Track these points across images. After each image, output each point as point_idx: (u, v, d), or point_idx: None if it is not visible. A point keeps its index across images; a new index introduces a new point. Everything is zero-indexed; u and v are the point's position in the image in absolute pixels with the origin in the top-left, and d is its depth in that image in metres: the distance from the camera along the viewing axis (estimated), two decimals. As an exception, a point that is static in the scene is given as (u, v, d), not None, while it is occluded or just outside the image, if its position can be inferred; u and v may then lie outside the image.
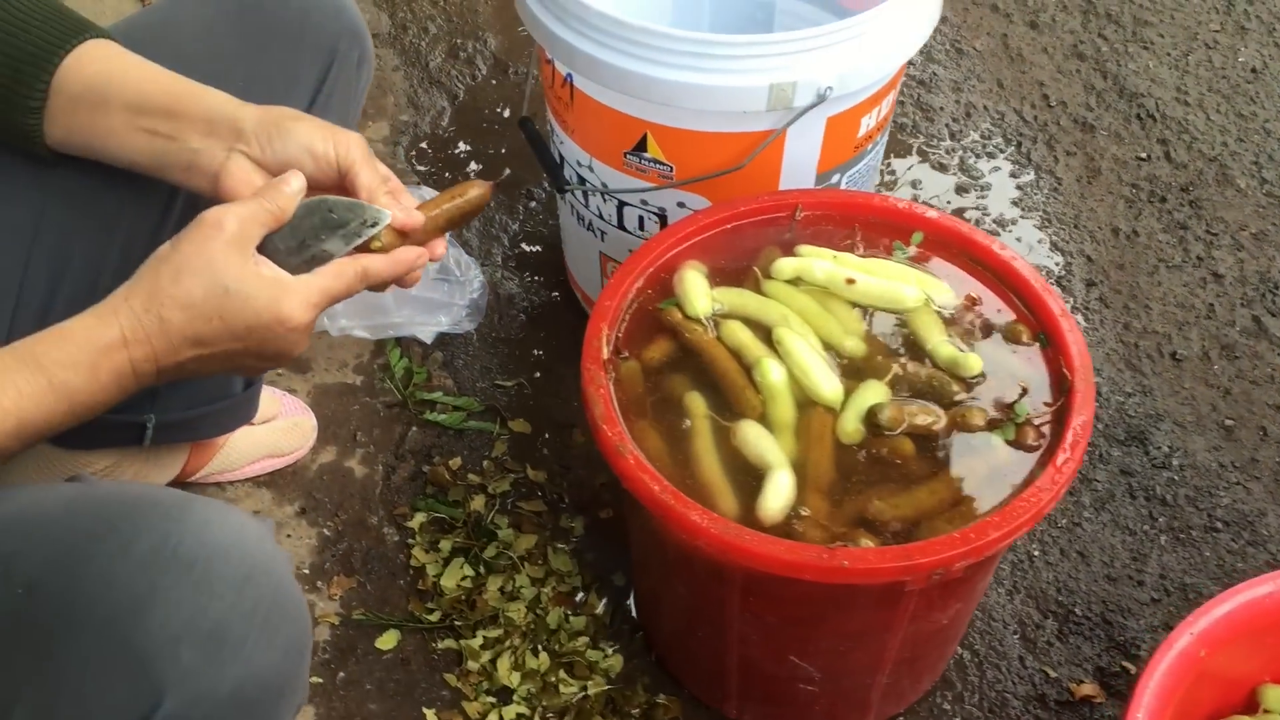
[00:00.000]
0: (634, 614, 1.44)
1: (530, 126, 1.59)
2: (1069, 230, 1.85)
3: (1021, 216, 1.88)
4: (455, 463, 1.58)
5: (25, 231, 1.07)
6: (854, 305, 1.26)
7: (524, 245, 1.86)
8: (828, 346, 1.22)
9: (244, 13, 1.12)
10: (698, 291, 1.24)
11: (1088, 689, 1.36)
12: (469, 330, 1.71)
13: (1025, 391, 1.15)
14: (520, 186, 1.95)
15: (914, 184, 1.94)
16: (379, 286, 0.99)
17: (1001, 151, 1.98)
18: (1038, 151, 1.98)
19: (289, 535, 1.47)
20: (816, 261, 1.26)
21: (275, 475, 1.53)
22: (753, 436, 1.14)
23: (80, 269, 1.09)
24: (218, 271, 0.87)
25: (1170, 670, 1.11)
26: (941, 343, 1.20)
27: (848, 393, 1.17)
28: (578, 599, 1.45)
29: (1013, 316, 1.23)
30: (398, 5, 2.26)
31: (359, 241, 0.96)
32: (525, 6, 1.40)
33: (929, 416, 1.15)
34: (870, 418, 1.14)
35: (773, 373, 1.18)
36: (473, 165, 1.98)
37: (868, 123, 1.44)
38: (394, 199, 0.99)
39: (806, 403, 1.18)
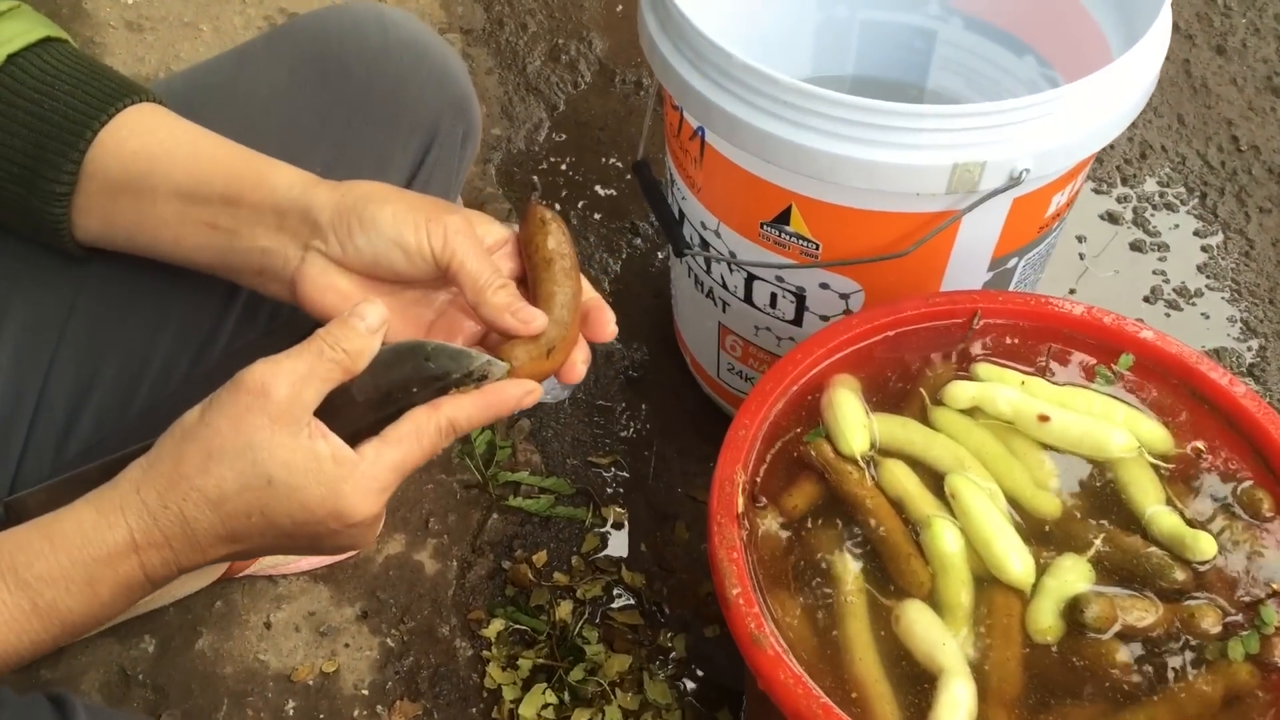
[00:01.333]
0: (741, 759, 1.23)
1: (646, 173, 1.35)
2: (1264, 307, 1.58)
3: (1208, 287, 1.61)
4: (540, 558, 1.37)
5: (50, 327, 0.87)
6: (1044, 447, 1.01)
7: (627, 290, 1.64)
8: (1013, 502, 0.98)
9: (326, 80, 0.90)
10: (853, 422, 1.01)
11: None
12: (563, 398, 1.49)
13: (1275, 592, 0.91)
14: (625, 218, 1.72)
15: (1080, 238, 1.67)
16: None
17: (1183, 203, 1.71)
18: (1225, 206, 1.70)
19: (347, 645, 1.28)
20: (1000, 389, 1.02)
21: (335, 569, 1.33)
22: (921, 626, 0.91)
23: (112, 378, 0.88)
24: (260, 456, 0.66)
25: None
26: (1161, 511, 0.96)
27: (1040, 569, 0.94)
28: (677, 741, 1.24)
29: (1250, 478, 0.98)
30: (495, -2, 2.03)
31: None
32: (652, 44, 1.17)
33: (1147, 614, 0.91)
34: (1072, 611, 0.91)
35: (947, 539, 0.94)
36: (572, 197, 1.75)
37: (1058, 200, 1.18)
38: (509, 301, 0.77)
39: (987, 579, 0.94)
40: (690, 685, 1.28)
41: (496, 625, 1.31)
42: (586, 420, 1.50)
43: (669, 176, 1.34)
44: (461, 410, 0.73)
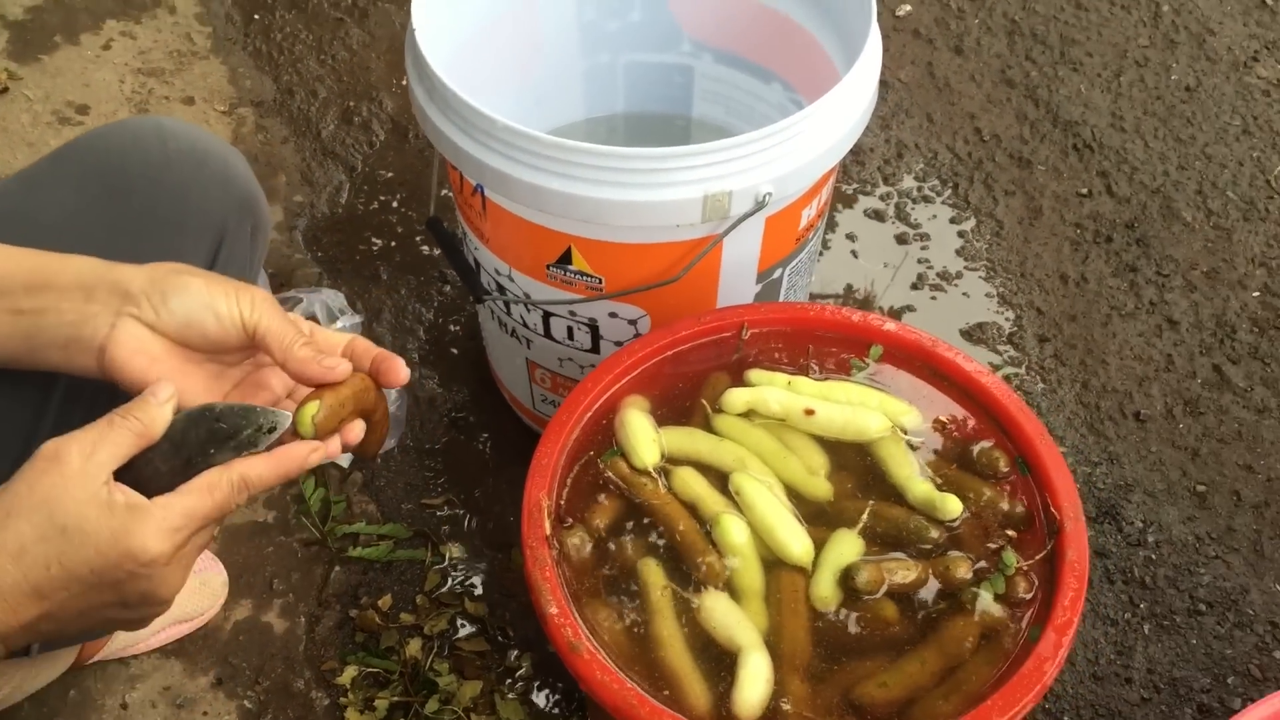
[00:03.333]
0: (594, 761, 1.33)
1: (440, 228, 1.45)
2: (1016, 280, 1.76)
3: (967, 268, 1.78)
4: (385, 601, 1.44)
5: None
6: (815, 437, 1.14)
7: (442, 337, 1.72)
8: (791, 491, 1.11)
9: (111, 198, 0.96)
10: (643, 439, 1.12)
11: (1085, 809, 1.28)
12: (390, 447, 1.57)
13: (1012, 539, 1.05)
14: (435, 268, 1.80)
15: (850, 237, 1.83)
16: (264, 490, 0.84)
17: (939, 195, 1.88)
18: (975, 193, 1.88)
19: (205, 713, 1.33)
20: (770, 391, 1.15)
21: (184, 642, 1.37)
22: (719, 611, 1.02)
23: None
24: (54, 510, 0.71)
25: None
26: (913, 479, 1.10)
27: (818, 546, 1.06)
28: (532, 753, 1.33)
29: (988, 441, 1.13)
30: (282, 67, 2.09)
31: (258, 451, 0.82)
32: (423, 113, 1.26)
33: (910, 572, 1.04)
34: (847, 579, 1.03)
35: (735, 532, 1.06)
36: (382, 255, 1.82)
37: (808, 214, 1.32)
38: (312, 354, 0.83)
39: (774, 561, 1.06)
40: (541, 701, 1.37)
41: (350, 672, 1.38)
42: (417, 465, 1.58)
43: (461, 230, 1.43)
44: (253, 469, 0.79)
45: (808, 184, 1.24)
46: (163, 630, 1.35)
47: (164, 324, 0.82)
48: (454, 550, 1.50)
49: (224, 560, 1.44)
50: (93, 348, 0.83)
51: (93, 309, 0.83)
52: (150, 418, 0.77)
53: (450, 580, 1.47)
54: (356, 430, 0.86)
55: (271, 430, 0.81)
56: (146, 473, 0.77)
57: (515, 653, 1.41)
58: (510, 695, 1.37)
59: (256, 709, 1.33)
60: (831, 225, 1.84)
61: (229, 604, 1.41)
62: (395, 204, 1.88)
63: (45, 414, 0.96)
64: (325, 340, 0.87)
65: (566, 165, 1.16)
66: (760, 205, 1.19)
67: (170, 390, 0.79)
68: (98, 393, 0.99)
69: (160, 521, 0.74)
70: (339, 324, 1.56)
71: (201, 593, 1.38)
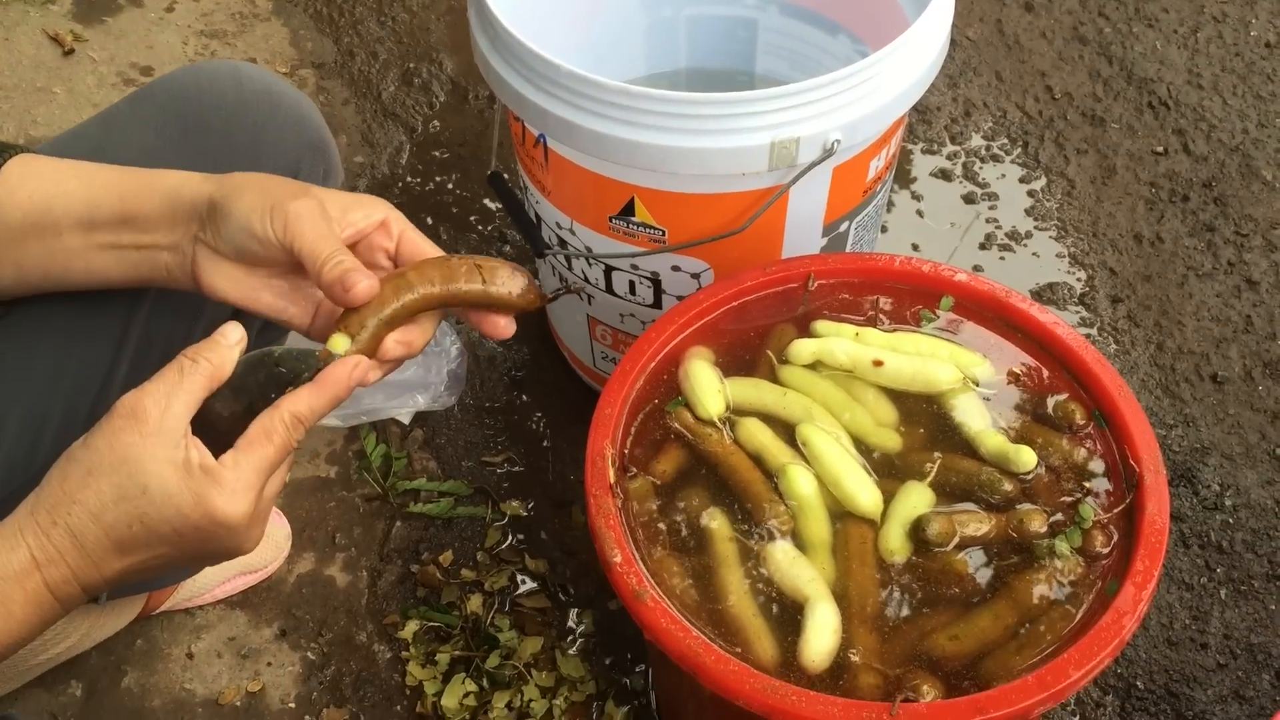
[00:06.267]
0: (657, 715, 1.32)
1: (501, 182, 1.43)
2: (1088, 240, 1.72)
3: (1037, 228, 1.74)
4: (446, 558, 1.44)
5: None
6: (883, 389, 1.12)
7: (501, 297, 1.71)
8: (859, 443, 1.09)
9: (188, 137, 0.96)
10: (708, 389, 1.10)
11: (1159, 775, 1.24)
12: (450, 404, 1.56)
13: (1089, 491, 1.02)
14: (495, 227, 1.79)
15: (916, 197, 1.79)
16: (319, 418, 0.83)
17: (1008, 154, 1.84)
18: (1046, 151, 1.84)
19: (269, 663, 1.33)
20: (837, 342, 1.12)
21: (249, 594, 1.38)
22: (786, 562, 1.01)
23: (15, 433, 0.93)
24: (134, 467, 0.72)
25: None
26: (986, 431, 1.07)
27: (887, 498, 1.04)
28: (594, 709, 1.32)
29: (1063, 394, 1.10)
30: (342, 30, 2.08)
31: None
32: (485, 62, 1.25)
33: (982, 524, 1.01)
34: (917, 531, 1.01)
35: (801, 483, 1.04)
36: (441, 214, 1.82)
37: (876, 165, 1.29)
38: (337, 278, 0.78)
39: (842, 513, 1.04)
40: (600, 656, 1.36)
41: (412, 626, 1.38)
42: (477, 423, 1.57)
43: (522, 183, 1.41)
44: (300, 401, 0.77)
45: (876, 132, 1.21)
46: (227, 581, 1.36)
47: (224, 250, 0.83)
48: (514, 507, 1.49)
49: (287, 514, 1.44)
50: (188, 273, 0.84)
51: (176, 235, 0.84)
52: (220, 360, 0.77)
53: (510, 537, 1.46)
54: (391, 349, 0.82)
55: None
56: (209, 418, 0.77)
57: (576, 610, 1.40)
58: (571, 651, 1.36)
59: (320, 660, 1.34)
60: (898, 185, 1.81)
61: (292, 557, 1.42)
62: (455, 165, 1.87)
63: (126, 344, 0.97)
64: (368, 243, 0.85)
65: (631, 112, 1.14)
66: (828, 153, 1.16)
67: (239, 332, 0.79)
68: (174, 331, 1.00)
69: (235, 483, 0.74)
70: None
71: (265, 545, 1.38)
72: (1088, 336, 1.60)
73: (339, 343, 0.80)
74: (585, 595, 1.41)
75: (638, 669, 1.35)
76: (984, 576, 1.00)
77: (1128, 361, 1.58)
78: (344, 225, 0.83)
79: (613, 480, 1.03)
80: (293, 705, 1.30)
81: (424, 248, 0.86)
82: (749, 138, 1.14)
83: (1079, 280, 1.68)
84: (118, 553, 0.73)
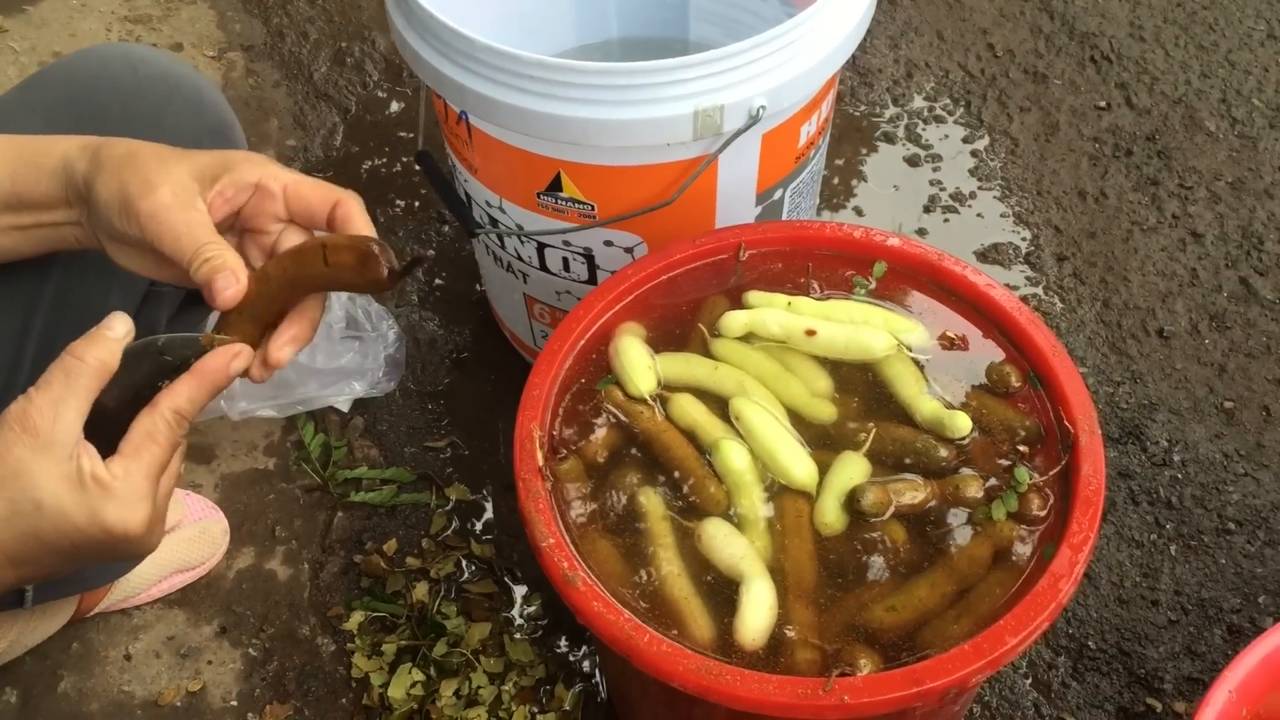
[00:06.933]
0: (605, 696, 1.30)
1: (430, 161, 1.40)
2: (1032, 199, 1.70)
3: (980, 188, 1.72)
4: (391, 546, 1.41)
5: None
6: (817, 359, 1.10)
7: (442, 278, 1.68)
8: (794, 414, 1.07)
9: (82, 126, 0.92)
10: (638, 366, 1.07)
11: (1112, 735, 1.24)
12: (390, 390, 1.53)
13: (1024, 455, 1.01)
14: (433, 208, 1.76)
15: (859, 161, 1.77)
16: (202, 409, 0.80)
17: (950, 115, 1.82)
18: (989, 110, 1.82)
19: (210, 662, 1.31)
20: (769, 313, 1.10)
21: (187, 591, 1.35)
22: (720, 539, 0.99)
23: None
24: (26, 482, 0.69)
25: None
26: (921, 398, 1.05)
27: (822, 470, 1.02)
28: (543, 693, 1.30)
29: (998, 355, 1.08)
30: (271, 10, 2.04)
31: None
32: (402, 39, 1.21)
33: (918, 492, 1.00)
34: (852, 502, 0.99)
35: (735, 458, 1.02)
36: (378, 196, 1.78)
37: (808, 130, 1.27)
38: (205, 279, 0.75)
39: (778, 488, 1.02)
40: (550, 639, 1.35)
41: (357, 617, 1.36)
42: (419, 408, 1.55)
43: (450, 162, 1.38)
44: (179, 397, 0.74)
45: (804, 97, 1.19)
46: (164, 580, 1.33)
47: (119, 236, 0.80)
48: (459, 492, 1.47)
49: (224, 509, 1.41)
50: (98, 245, 0.82)
51: (75, 214, 0.81)
52: (106, 355, 0.73)
53: (456, 523, 1.44)
54: (276, 351, 0.79)
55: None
56: (97, 412, 0.74)
57: (524, 592, 1.38)
58: (519, 636, 1.34)
59: (262, 656, 1.31)
60: (839, 150, 1.78)
61: (231, 552, 1.39)
62: (391, 145, 1.84)
63: (38, 308, 0.94)
64: (253, 211, 0.80)
65: (550, 85, 1.11)
66: (754, 120, 1.14)
67: (124, 325, 0.75)
68: (91, 290, 0.97)
69: (128, 493, 0.71)
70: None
71: (202, 540, 1.35)
72: (1034, 296, 1.59)
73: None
74: (534, 578, 1.39)
75: (587, 651, 1.33)
76: (922, 545, 0.98)
77: (1074, 319, 1.57)
78: (214, 202, 0.79)
79: (541, 463, 1.01)
80: (234, 703, 1.28)
81: (311, 198, 0.80)
82: (672, 107, 1.11)
83: (1024, 239, 1.66)
84: (12, 565, 0.71)
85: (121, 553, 0.73)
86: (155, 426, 0.72)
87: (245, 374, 0.79)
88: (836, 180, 1.75)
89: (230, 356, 0.76)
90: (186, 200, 0.77)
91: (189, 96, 0.99)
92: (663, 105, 1.11)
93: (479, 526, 1.43)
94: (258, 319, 0.79)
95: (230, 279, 0.76)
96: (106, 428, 0.72)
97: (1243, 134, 1.74)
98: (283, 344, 0.79)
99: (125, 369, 0.74)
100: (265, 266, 0.80)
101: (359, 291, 0.83)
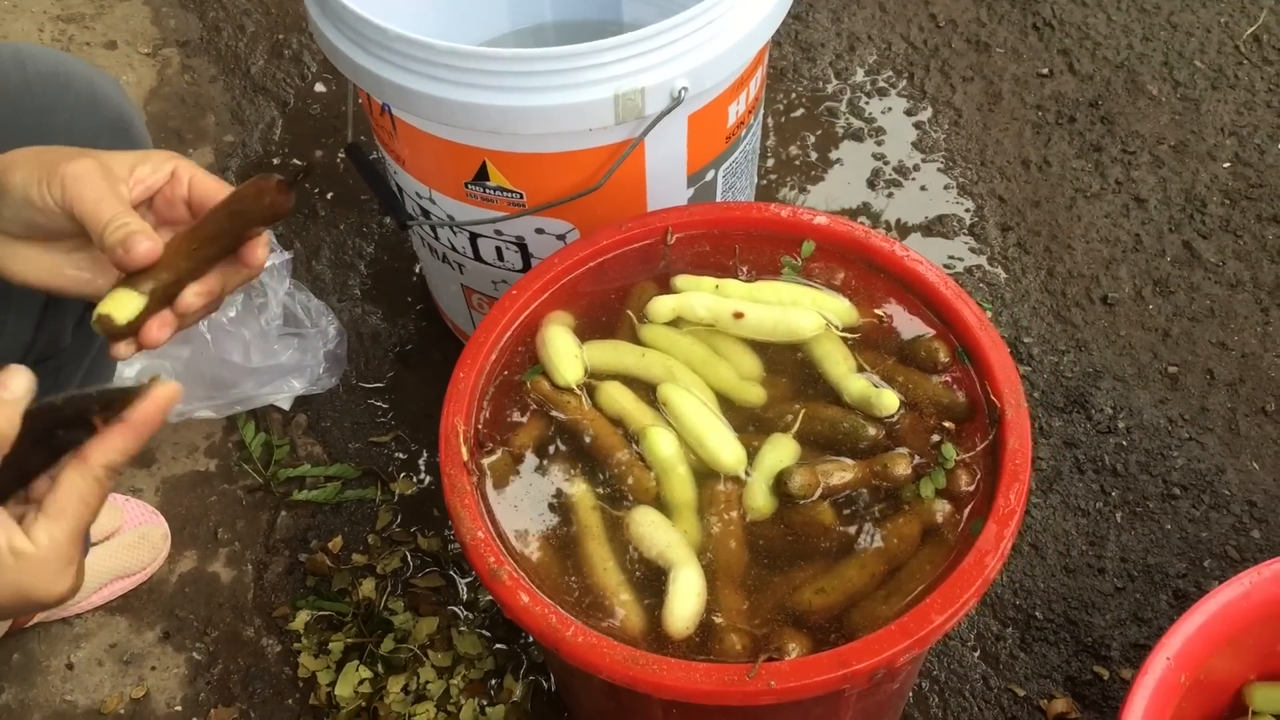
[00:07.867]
0: (554, 688, 1.29)
1: (360, 154, 1.38)
2: (976, 169, 1.69)
3: (924, 160, 1.71)
4: (336, 544, 1.40)
5: None
6: (746, 341, 1.09)
7: (383, 270, 1.66)
8: (723, 398, 1.06)
9: None
10: (564, 355, 1.06)
11: (1060, 705, 1.24)
12: (332, 386, 1.52)
13: (949, 431, 1.00)
14: (373, 202, 1.74)
15: (801, 139, 1.76)
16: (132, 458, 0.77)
17: (893, 87, 1.80)
18: (932, 81, 1.80)
19: (153, 667, 1.29)
20: (696, 297, 1.09)
21: (129, 598, 1.34)
22: (649, 528, 0.98)
23: None
24: None
25: (1152, 699, 1.00)
26: (849, 376, 1.04)
27: (752, 454, 1.01)
28: (492, 685, 1.30)
29: (928, 332, 1.07)
30: (207, 4, 2.01)
31: (112, 421, 0.72)
32: (319, 30, 1.19)
33: (845, 473, 0.99)
34: (780, 485, 0.98)
35: (662, 445, 1.01)
36: (319, 189, 1.76)
37: (737, 109, 1.25)
38: (117, 242, 0.74)
39: (707, 473, 1.01)
40: (500, 632, 1.34)
41: (303, 616, 1.34)
42: (363, 403, 1.53)
43: (380, 154, 1.36)
44: (111, 450, 0.71)
45: (728, 76, 1.18)
46: (105, 587, 1.32)
47: (11, 229, 0.78)
48: (404, 486, 1.46)
49: (165, 512, 1.40)
50: None
51: None
52: (5, 419, 0.68)
53: (401, 517, 1.43)
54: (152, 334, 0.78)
55: (110, 405, 0.72)
56: (9, 467, 0.71)
57: (471, 588, 1.37)
58: (466, 629, 1.33)
59: (206, 660, 1.30)
60: (781, 127, 1.77)
61: (173, 556, 1.38)
62: (331, 138, 1.81)
63: None
64: (165, 197, 0.81)
65: (467, 73, 1.10)
66: (677, 101, 1.12)
67: (23, 382, 0.70)
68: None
69: (52, 564, 0.68)
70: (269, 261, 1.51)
71: (142, 546, 1.34)
72: (978, 267, 1.59)
73: (121, 300, 0.76)
74: (480, 570, 1.38)
75: (535, 641, 1.32)
76: (851, 526, 0.98)
77: (1019, 289, 1.56)
78: (133, 184, 0.78)
79: (467, 458, 1.00)
80: (179, 708, 1.27)
81: (212, 189, 0.81)
82: (591, 91, 1.10)
83: (968, 210, 1.65)
84: None
85: (46, 604, 0.71)
86: (87, 488, 0.69)
87: (142, 336, 0.77)
88: (777, 156, 1.74)
89: (160, 406, 0.72)
90: (109, 171, 0.77)
91: (82, 93, 0.97)
92: (582, 90, 1.09)
93: (425, 521, 1.42)
94: (168, 283, 0.77)
95: (144, 239, 0.74)
96: (14, 480, 0.70)
97: (1185, 96, 1.74)
98: (192, 295, 0.78)
99: (28, 433, 0.69)
100: (174, 236, 0.79)
101: (265, 223, 0.82)
